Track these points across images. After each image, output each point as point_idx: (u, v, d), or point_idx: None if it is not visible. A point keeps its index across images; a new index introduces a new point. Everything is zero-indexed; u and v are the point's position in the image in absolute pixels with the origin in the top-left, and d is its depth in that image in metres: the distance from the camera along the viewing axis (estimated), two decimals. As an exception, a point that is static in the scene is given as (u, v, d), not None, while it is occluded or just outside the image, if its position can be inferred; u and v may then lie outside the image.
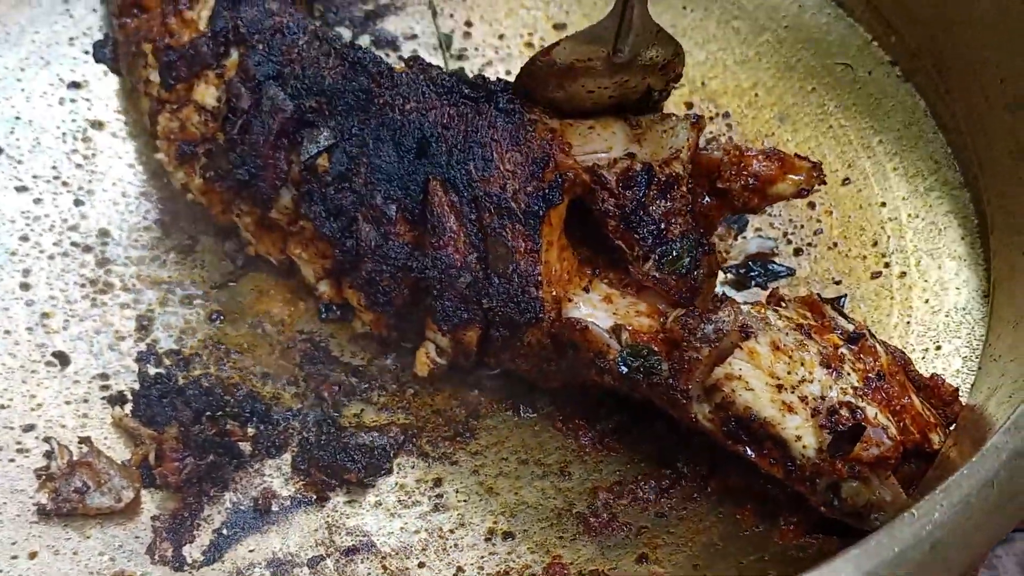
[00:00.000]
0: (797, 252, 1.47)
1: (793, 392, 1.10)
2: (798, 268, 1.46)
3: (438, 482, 1.27)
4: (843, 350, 1.13)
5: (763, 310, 1.15)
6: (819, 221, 1.49)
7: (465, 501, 1.26)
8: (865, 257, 1.45)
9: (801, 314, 1.17)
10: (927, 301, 1.39)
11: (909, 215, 1.48)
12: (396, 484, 1.27)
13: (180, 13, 1.43)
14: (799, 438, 1.09)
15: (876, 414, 1.08)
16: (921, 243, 1.45)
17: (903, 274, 1.42)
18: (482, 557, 1.21)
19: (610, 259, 1.27)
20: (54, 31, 1.60)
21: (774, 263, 1.46)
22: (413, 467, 1.29)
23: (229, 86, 1.34)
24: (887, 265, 1.44)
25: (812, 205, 1.51)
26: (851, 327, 1.17)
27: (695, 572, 1.18)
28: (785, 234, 1.49)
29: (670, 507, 1.23)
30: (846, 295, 1.41)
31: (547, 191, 1.23)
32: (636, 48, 1.21)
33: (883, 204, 1.50)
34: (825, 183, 1.30)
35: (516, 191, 1.23)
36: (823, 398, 1.09)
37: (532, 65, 1.26)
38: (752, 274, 1.46)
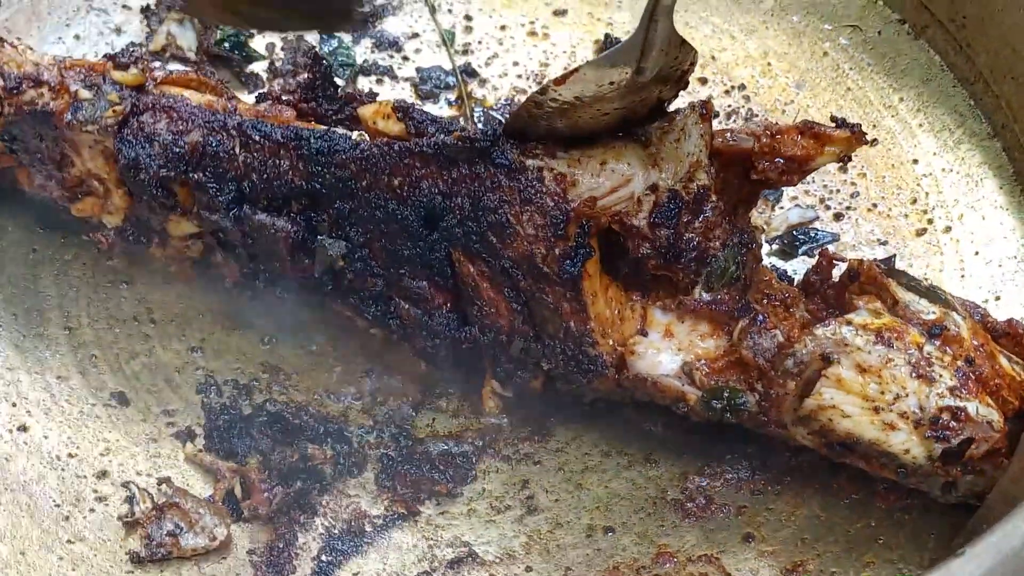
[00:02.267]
0: (837, 217, 1.47)
1: (891, 411, 1.09)
2: (841, 233, 1.46)
3: (525, 484, 1.26)
4: (928, 349, 1.11)
5: (838, 329, 1.12)
6: (854, 184, 1.50)
7: (556, 500, 1.25)
8: (907, 215, 1.46)
9: (874, 312, 1.14)
10: (977, 253, 1.41)
11: (943, 169, 1.49)
12: (483, 490, 1.25)
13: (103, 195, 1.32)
14: (907, 451, 1.10)
15: (976, 408, 1.08)
16: (960, 196, 1.46)
17: (948, 228, 1.44)
18: (587, 555, 1.20)
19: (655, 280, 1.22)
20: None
21: (817, 230, 1.46)
22: (497, 471, 1.27)
23: (202, 222, 1.26)
24: (930, 221, 1.45)
25: (844, 169, 1.51)
26: (928, 310, 1.15)
27: (804, 546, 1.18)
28: (822, 200, 1.49)
29: (764, 483, 1.23)
30: (895, 255, 1.42)
31: (576, 248, 1.14)
32: (659, 64, 1.11)
33: (915, 161, 1.51)
34: (867, 142, 1.27)
35: (544, 256, 1.14)
36: (922, 408, 1.09)
37: (541, 101, 1.12)
38: (797, 243, 1.46)
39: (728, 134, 1.19)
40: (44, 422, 1.27)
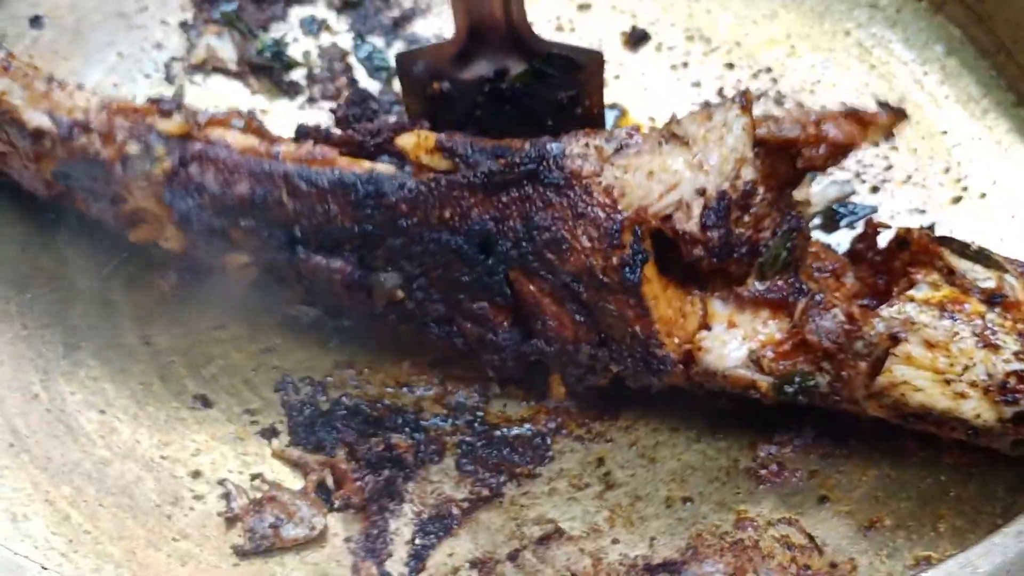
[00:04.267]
0: (874, 190, 1.52)
1: (961, 381, 1.14)
2: (879, 204, 1.51)
3: (601, 461, 1.30)
4: (990, 317, 1.16)
5: (903, 307, 1.17)
6: (887, 158, 1.55)
7: (633, 475, 1.29)
8: (942, 184, 1.51)
9: (933, 284, 1.19)
10: (1013, 216, 1.46)
11: (973, 139, 1.55)
12: (561, 469, 1.30)
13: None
14: (978, 416, 1.14)
15: (1043, 369, 1.14)
16: (992, 163, 1.52)
17: (983, 195, 1.49)
18: (670, 524, 1.24)
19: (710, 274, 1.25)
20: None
21: (855, 203, 1.51)
22: (572, 451, 1.31)
23: (257, 259, 1.29)
24: (965, 189, 1.50)
25: (876, 143, 1.56)
26: (984, 276, 1.19)
27: (878, 504, 1.23)
28: (858, 174, 1.54)
29: (832, 447, 1.28)
30: (934, 223, 1.47)
31: (633, 255, 1.17)
32: None
33: (944, 132, 1.56)
34: (907, 118, 1.33)
35: (603, 266, 1.18)
36: (990, 376, 1.14)
37: None
38: (838, 217, 1.51)
39: (772, 124, 1.23)
40: (133, 427, 1.31)
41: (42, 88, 1.33)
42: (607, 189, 1.17)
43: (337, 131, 1.37)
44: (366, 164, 1.28)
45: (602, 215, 1.17)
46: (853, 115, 1.21)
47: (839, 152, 1.22)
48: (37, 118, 1.30)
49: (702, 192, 1.18)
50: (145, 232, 1.33)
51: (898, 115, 1.24)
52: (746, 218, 1.19)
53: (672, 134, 1.20)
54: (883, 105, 1.21)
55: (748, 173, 1.19)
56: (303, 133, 1.39)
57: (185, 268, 1.40)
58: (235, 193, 1.25)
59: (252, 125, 1.32)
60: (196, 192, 1.26)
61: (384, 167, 1.27)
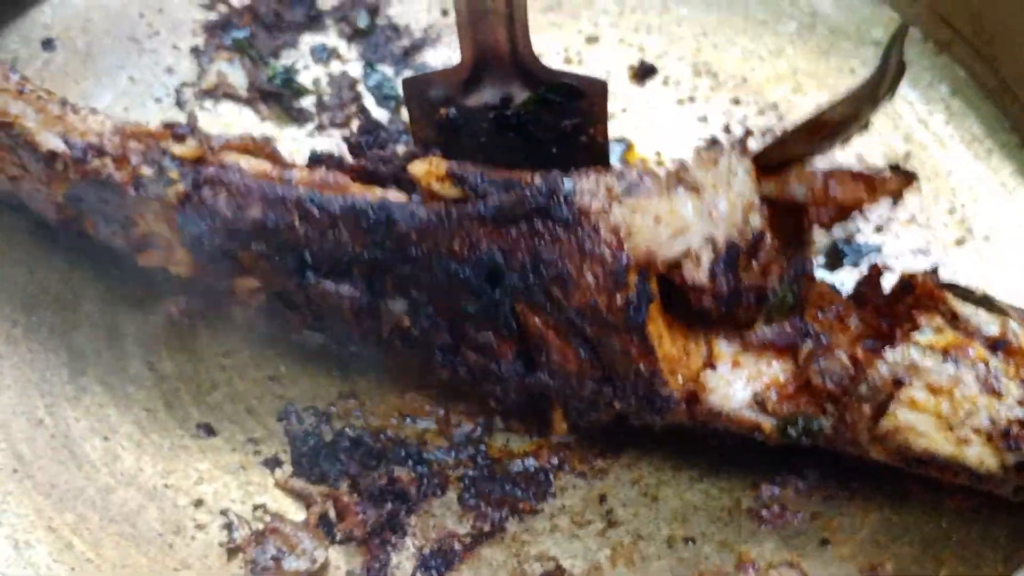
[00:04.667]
0: (878, 229, 1.53)
1: (964, 427, 1.15)
2: (883, 244, 1.52)
3: (603, 498, 1.31)
4: (994, 363, 1.17)
5: (907, 351, 1.17)
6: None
7: (635, 514, 1.29)
8: (946, 225, 1.52)
9: (937, 329, 1.19)
10: (1017, 259, 1.47)
11: (977, 180, 1.55)
12: (563, 506, 1.30)
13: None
14: (981, 462, 1.15)
15: (1044, 417, 1.15)
16: (996, 205, 1.53)
17: (987, 237, 1.50)
18: (671, 565, 1.25)
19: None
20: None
21: (860, 243, 1.52)
22: (574, 487, 1.32)
23: (266, 283, 1.29)
24: (969, 230, 1.51)
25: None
26: (988, 322, 1.20)
27: (879, 548, 1.23)
28: (861, 212, 1.54)
29: (834, 489, 1.28)
30: (938, 265, 1.47)
31: (638, 295, 1.17)
32: (887, 95, 1.17)
33: (949, 172, 1.57)
34: (917, 180, 1.24)
35: (608, 306, 1.17)
36: (993, 422, 1.14)
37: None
38: (841, 255, 1.51)
39: (780, 183, 1.22)
40: (137, 454, 1.31)
41: (56, 111, 1.34)
42: (615, 228, 1.17)
43: (349, 158, 1.37)
44: (378, 191, 1.29)
45: (608, 254, 1.17)
46: (861, 176, 1.20)
47: (846, 212, 1.22)
48: (51, 141, 1.31)
49: (711, 241, 1.17)
50: (155, 257, 1.33)
51: (907, 178, 1.21)
52: (754, 266, 1.20)
53: (681, 179, 1.20)
54: (894, 168, 1.21)
55: (756, 220, 1.19)
56: (316, 159, 1.40)
57: (193, 293, 1.40)
58: (247, 217, 1.25)
59: (265, 150, 1.33)
60: (208, 216, 1.26)
61: (395, 194, 1.28)
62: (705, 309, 1.20)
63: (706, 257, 1.18)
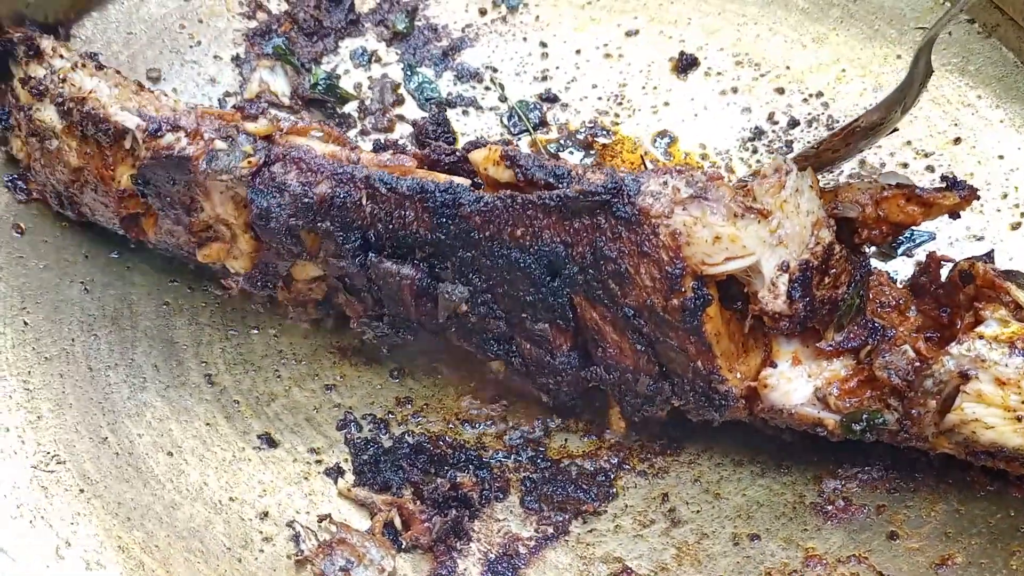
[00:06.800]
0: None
1: None
2: (937, 230, 1.50)
3: (665, 498, 1.30)
4: None
5: (973, 344, 1.16)
6: (944, 183, 1.54)
7: (698, 512, 1.29)
8: (999, 210, 1.51)
9: (1002, 321, 1.18)
10: (1073, 243, 1.45)
11: (1030, 163, 1.54)
12: (625, 506, 1.30)
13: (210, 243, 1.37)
14: None
15: (1113, 404, 1.13)
16: (1050, 189, 1.51)
17: (1043, 221, 1.48)
18: (738, 563, 1.24)
19: None
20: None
21: (913, 230, 1.51)
22: (635, 487, 1.32)
23: (328, 267, 1.31)
24: (1024, 215, 1.49)
25: (931, 168, 1.56)
26: None
27: (948, 540, 1.23)
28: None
29: (899, 481, 1.28)
30: (993, 250, 1.46)
31: (694, 299, 1.17)
32: (916, 99, 1.22)
33: (1001, 157, 1.55)
34: (977, 198, 1.25)
35: (664, 307, 1.17)
36: None
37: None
38: (896, 244, 1.50)
39: (834, 202, 1.23)
40: (201, 468, 1.32)
41: (133, 88, 1.39)
42: (674, 234, 1.16)
43: (412, 148, 1.38)
44: (443, 176, 1.30)
45: (665, 259, 1.17)
46: (915, 197, 1.21)
47: (899, 232, 1.24)
48: (125, 117, 1.34)
49: (785, 268, 1.17)
50: (215, 250, 1.35)
51: (969, 195, 1.21)
52: (827, 280, 1.19)
53: (748, 207, 1.17)
54: (951, 183, 1.19)
55: (826, 236, 1.19)
56: (380, 148, 1.43)
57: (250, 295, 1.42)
58: (316, 193, 1.27)
59: (333, 134, 1.38)
60: (277, 191, 1.28)
61: (461, 179, 1.29)
62: (781, 329, 1.19)
63: (782, 284, 1.17)
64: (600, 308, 1.21)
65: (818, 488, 1.29)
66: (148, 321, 1.43)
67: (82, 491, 1.28)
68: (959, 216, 1.24)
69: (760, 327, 1.22)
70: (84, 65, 1.41)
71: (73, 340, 1.40)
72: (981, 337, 1.16)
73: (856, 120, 1.18)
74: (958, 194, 1.20)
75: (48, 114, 1.39)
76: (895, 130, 1.21)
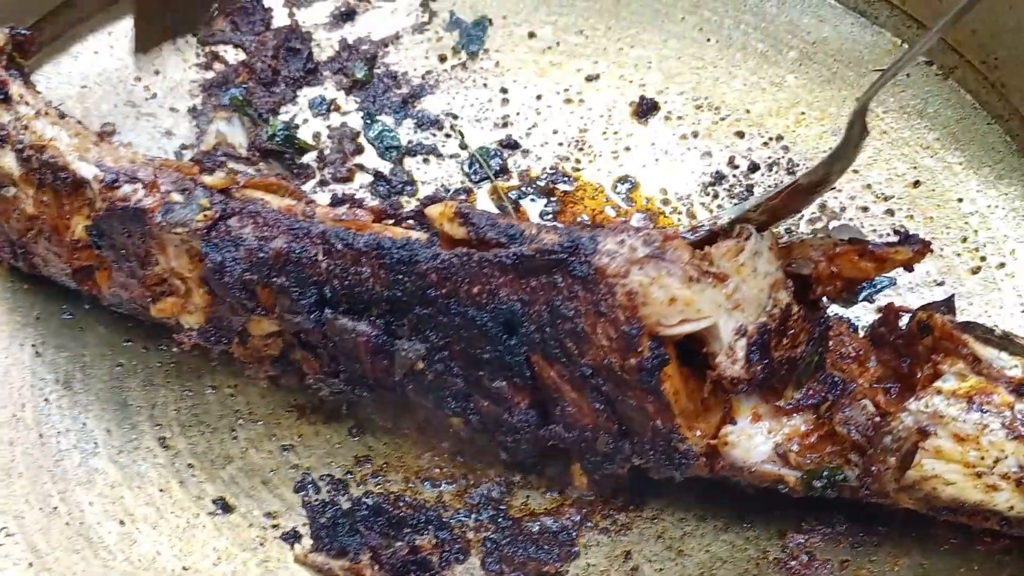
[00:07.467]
0: (891, 261, 1.51)
1: (992, 474, 1.13)
2: (897, 276, 1.50)
3: (627, 555, 1.29)
4: (1019, 407, 1.15)
5: (931, 400, 1.15)
6: (901, 227, 1.54)
7: (661, 570, 1.28)
8: (959, 254, 1.50)
9: (959, 375, 1.17)
10: (1034, 287, 1.45)
11: (988, 206, 1.54)
12: (588, 566, 1.28)
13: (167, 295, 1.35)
14: (1011, 507, 1.14)
15: (1073, 457, 1.13)
16: (1009, 231, 1.51)
17: (1002, 264, 1.48)
18: (703, 622, 1.23)
19: None
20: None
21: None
22: (597, 544, 1.30)
23: (284, 323, 1.29)
24: (983, 259, 1.49)
25: (891, 212, 1.55)
26: (1010, 364, 1.18)
27: (911, 595, 1.21)
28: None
29: (862, 535, 1.27)
30: (953, 295, 1.45)
31: (652, 358, 1.16)
32: (851, 161, 1.26)
33: (959, 200, 1.55)
34: (931, 251, 1.25)
35: (622, 365, 1.16)
36: (1021, 467, 1.13)
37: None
38: (857, 290, 1.49)
39: (787, 259, 1.22)
40: (154, 537, 1.29)
41: (92, 139, 1.38)
42: (630, 293, 1.15)
43: (368, 201, 1.37)
44: (399, 231, 1.29)
45: (622, 318, 1.16)
46: (868, 253, 1.21)
47: (853, 285, 1.24)
48: (84, 167, 1.33)
49: (743, 332, 1.16)
50: (169, 305, 1.33)
51: (920, 251, 1.21)
52: (784, 341, 1.19)
53: (704, 271, 1.16)
54: (903, 237, 1.21)
55: (783, 297, 1.19)
56: (338, 201, 1.42)
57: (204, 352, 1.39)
58: (272, 248, 1.25)
59: (289, 188, 1.37)
60: (233, 246, 1.26)
61: (417, 235, 1.28)
62: (740, 391, 1.18)
63: (740, 349, 1.16)
64: (558, 366, 1.20)
65: (782, 543, 1.27)
66: (101, 384, 1.41)
67: (31, 565, 1.26)
68: (912, 269, 1.23)
69: (720, 386, 1.20)
70: (47, 113, 1.40)
71: (23, 405, 1.38)
72: (939, 392, 1.15)
73: (795, 180, 1.20)
74: (911, 248, 1.20)
75: (7, 160, 1.37)
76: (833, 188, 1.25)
